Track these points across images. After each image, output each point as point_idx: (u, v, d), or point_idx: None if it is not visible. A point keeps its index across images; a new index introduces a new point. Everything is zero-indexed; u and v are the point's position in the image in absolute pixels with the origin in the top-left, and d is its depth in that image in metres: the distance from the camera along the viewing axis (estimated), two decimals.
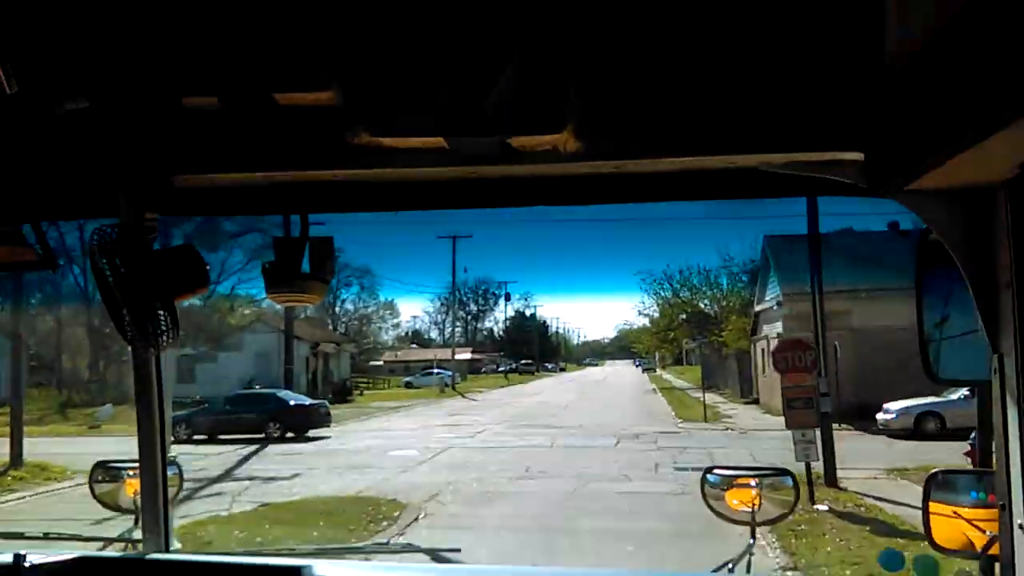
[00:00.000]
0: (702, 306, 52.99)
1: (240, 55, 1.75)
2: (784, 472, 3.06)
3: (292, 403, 28.93)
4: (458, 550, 3.28)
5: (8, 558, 2.32)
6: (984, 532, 2.05)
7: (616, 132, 1.82)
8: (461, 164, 1.89)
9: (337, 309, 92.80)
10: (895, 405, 23.31)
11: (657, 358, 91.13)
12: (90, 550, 2.95)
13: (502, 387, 63.78)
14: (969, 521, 2.14)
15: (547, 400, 43.04)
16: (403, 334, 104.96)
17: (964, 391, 18.48)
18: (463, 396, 50.28)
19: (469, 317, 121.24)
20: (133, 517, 2.85)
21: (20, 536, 3.86)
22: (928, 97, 1.45)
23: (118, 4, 1.74)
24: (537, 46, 1.71)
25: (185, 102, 1.81)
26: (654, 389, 53.69)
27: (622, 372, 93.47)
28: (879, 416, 23.49)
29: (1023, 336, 1.50)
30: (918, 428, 22.67)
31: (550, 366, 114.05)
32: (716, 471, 3.07)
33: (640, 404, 38.12)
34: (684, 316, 52.39)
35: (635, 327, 61.74)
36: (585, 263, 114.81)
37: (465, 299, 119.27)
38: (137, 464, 2.60)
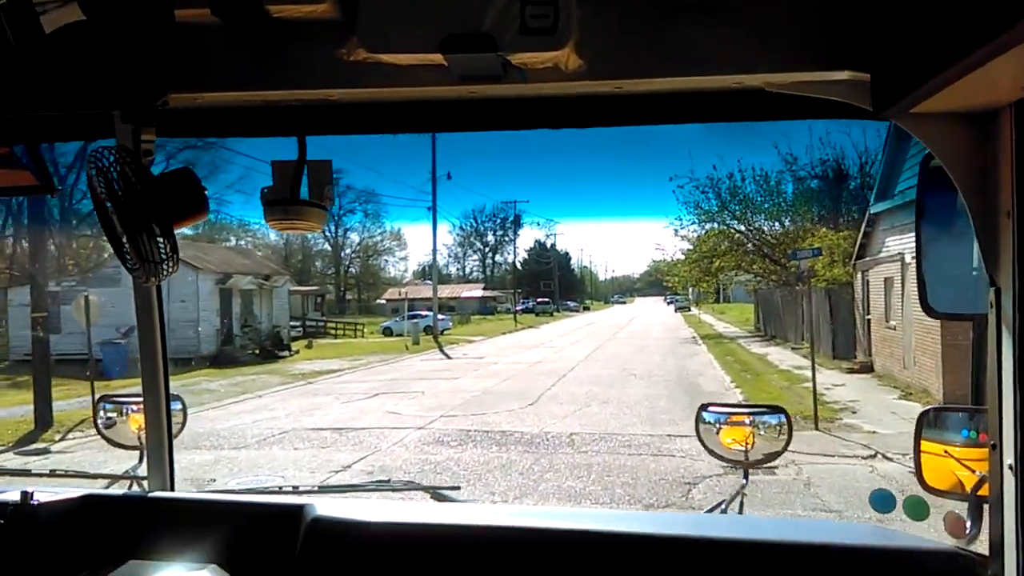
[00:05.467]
0: (759, 224, 39.61)
1: None
2: (778, 410, 2.96)
3: None
4: (458, 488, 3.17)
5: (15, 496, 2.33)
6: (974, 472, 1.98)
7: (618, 49, 1.78)
8: (461, 83, 1.82)
9: (341, 239, 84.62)
10: None
11: (692, 294, 78.81)
12: (96, 487, 2.95)
13: (506, 333, 51.29)
14: (959, 461, 2.07)
15: (546, 359, 30.04)
16: (419, 269, 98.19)
17: None
18: (441, 350, 37.57)
19: (487, 249, 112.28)
20: (138, 453, 2.85)
21: (27, 473, 3.78)
22: (937, 16, 1.42)
23: None
24: None
25: (178, 15, 1.77)
26: (694, 337, 40.61)
27: (652, 312, 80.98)
28: None
29: (1022, 269, 1.52)
30: None
31: (572, 304, 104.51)
32: (711, 408, 2.99)
33: (679, 372, 24.85)
34: (731, 239, 39.13)
35: (667, 260, 48.17)
36: (615, 179, 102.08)
37: (482, 229, 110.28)
38: (141, 399, 2.71)
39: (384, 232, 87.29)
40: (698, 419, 2.95)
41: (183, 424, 2.97)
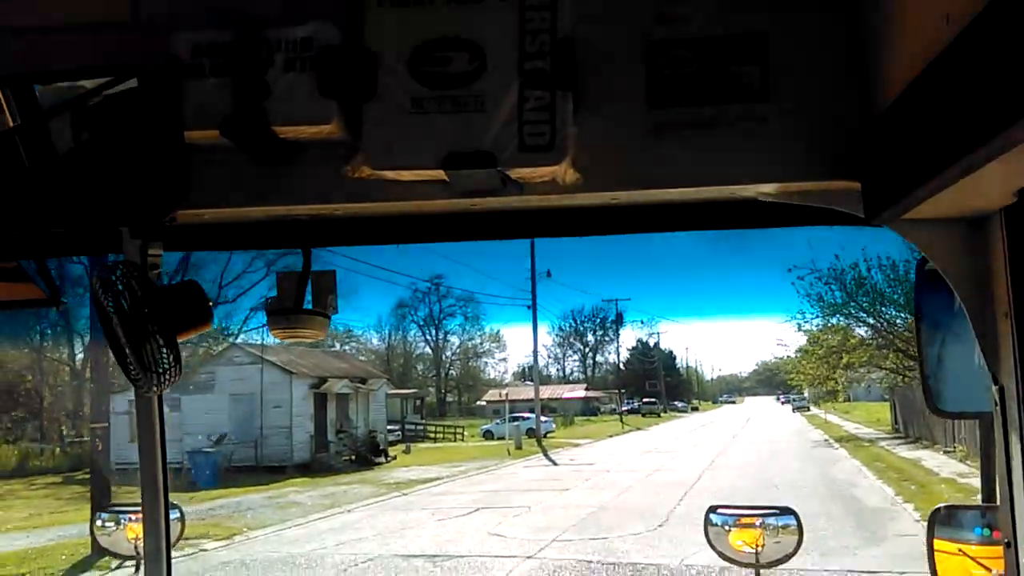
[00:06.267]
0: (890, 317, 36.24)
1: (241, 88, 1.78)
2: (788, 511, 2.95)
3: None
4: None
5: None
6: (990, 571, 1.94)
7: (613, 164, 1.82)
8: (461, 196, 1.86)
9: (441, 342, 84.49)
10: None
11: (807, 394, 73.90)
12: None
13: (613, 436, 48.15)
14: (974, 559, 2.03)
15: (664, 467, 27.05)
16: (519, 370, 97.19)
17: None
18: (546, 455, 34.89)
19: (587, 349, 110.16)
20: (134, 563, 2.81)
21: None
22: (924, 126, 1.44)
23: None
24: (536, 80, 1.73)
25: (187, 136, 1.81)
26: (827, 440, 36.64)
27: (767, 412, 75.94)
28: None
29: None
30: None
31: (680, 404, 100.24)
32: (720, 510, 2.98)
33: (827, 482, 21.57)
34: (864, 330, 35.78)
35: (787, 356, 45.15)
36: (720, 276, 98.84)
37: (582, 329, 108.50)
38: (139, 508, 2.61)
39: (483, 334, 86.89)
40: (707, 521, 2.94)
41: (181, 534, 2.91)
